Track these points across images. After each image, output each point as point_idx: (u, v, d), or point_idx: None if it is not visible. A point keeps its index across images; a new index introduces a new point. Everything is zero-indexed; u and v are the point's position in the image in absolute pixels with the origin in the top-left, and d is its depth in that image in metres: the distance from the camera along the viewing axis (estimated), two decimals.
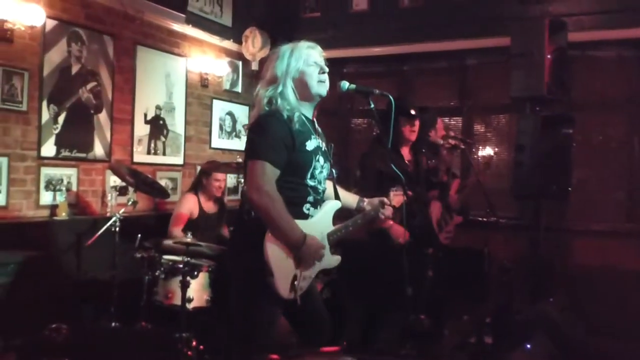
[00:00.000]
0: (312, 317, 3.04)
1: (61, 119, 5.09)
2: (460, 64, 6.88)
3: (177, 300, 4.33)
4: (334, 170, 3.07)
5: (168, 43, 6.28)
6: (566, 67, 5.09)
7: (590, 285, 5.67)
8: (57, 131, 5.05)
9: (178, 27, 6.35)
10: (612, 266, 5.74)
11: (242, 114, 7.39)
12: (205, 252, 4.59)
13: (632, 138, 6.08)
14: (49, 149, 4.99)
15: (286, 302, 2.77)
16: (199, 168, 6.11)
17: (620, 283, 5.68)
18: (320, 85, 2.89)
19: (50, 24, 4.94)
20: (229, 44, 7.14)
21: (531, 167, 4.95)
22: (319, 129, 3.00)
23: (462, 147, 5.10)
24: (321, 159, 2.90)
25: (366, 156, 4.46)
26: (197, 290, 4.44)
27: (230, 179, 6.89)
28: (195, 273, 4.40)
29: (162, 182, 5.85)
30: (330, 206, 3.00)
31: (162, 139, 6.21)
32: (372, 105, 3.02)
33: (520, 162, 5.05)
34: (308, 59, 2.87)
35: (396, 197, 3.20)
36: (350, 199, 3.23)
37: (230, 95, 7.28)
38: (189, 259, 4.31)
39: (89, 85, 5.34)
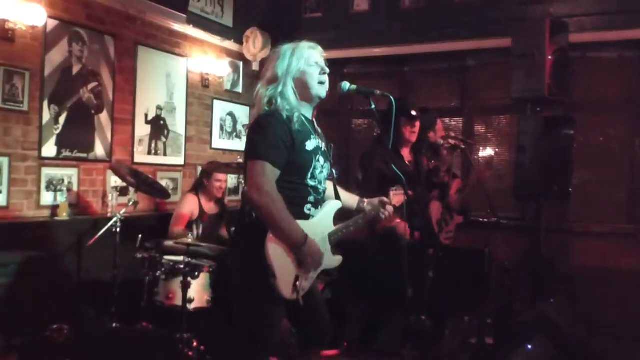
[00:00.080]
0: (313, 318, 3.03)
1: (62, 119, 5.09)
2: (461, 65, 6.88)
3: (178, 301, 4.33)
4: (334, 171, 3.07)
5: (169, 43, 6.28)
6: (567, 68, 5.09)
7: (591, 285, 5.68)
8: (58, 131, 5.05)
9: (179, 27, 6.35)
10: (612, 267, 5.74)
11: (243, 114, 7.39)
12: (206, 252, 4.59)
13: (633, 139, 6.08)
14: (49, 149, 4.99)
15: (288, 302, 2.77)
16: (199, 168, 6.11)
17: (621, 284, 5.68)
18: (320, 87, 2.88)
19: (52, 24, 4.94)
20: (230, 45, 7.14)
21: (532, 168, 4.96)
22: (319, 129, 3.00)
23: (463, 146, 5.10)
24: (321, 159, 2.89)
25: (367, 157, 4.46)
26: (198, 291, 4.44)
27: (231, 180, 6.89)
28: (196, 274, 4.40)
29: (163, 183, 5.85)
30: (331, 206, 3.00)
31: (163, 139, 6.21)
32: (373, 106, 3.02)
33: (521, 163, 5.06)
34: (309, 59, 2.87)
35: (396, 197, 3.20)
36: (350, 199, 3.23)
37: (231, 96, 7.28)
38: (189, 259, 4.32)
39: (90, 86, 5.34)
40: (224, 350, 4.38)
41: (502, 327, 4.63)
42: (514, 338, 4.07)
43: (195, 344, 4.19)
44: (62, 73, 5.07)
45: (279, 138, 2.71)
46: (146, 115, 5.98)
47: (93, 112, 5.39)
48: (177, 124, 6.40)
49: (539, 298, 4.91)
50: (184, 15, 6.33)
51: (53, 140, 5.01)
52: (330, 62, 2.99)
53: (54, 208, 5.00)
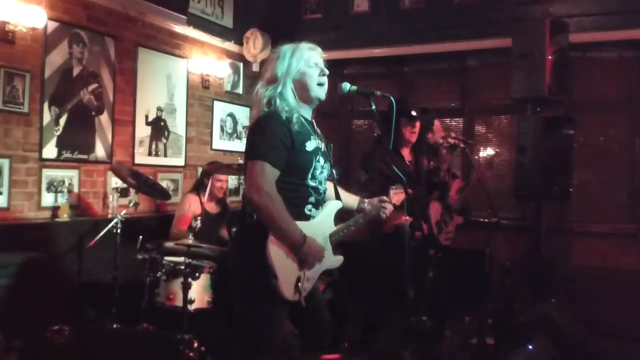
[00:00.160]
0: (315, 318, 3.03)
1: (62, 120, 5.10)
2: (461, 65, 6.88)
3: (179, 302, 4.33)
4: (334, 171, 3.07)
5: (169, 44, 6.29)
6: (567, 68, 5.10)
7: (591, 286, 5.68)
8: (58, 133, 5.05)
9: (179, 28, 6.35)
10: (612, 267, 5.74)
11: (243, 115, 7.40)
12: (206, 253, 4.59)
13: (633, 139, 6.08)
14: (50, 150, 4.99)
15: (290, 303, 2.77)
16: (200, 169, 6.12)
17: (621, 284, 5.68)
18: (320, 88, 2.89)
19: (52, 25, 4.95)
20: (230, 46, 7.15)
21: (532, 168, 4.97)
22: (318, 130, 3.00)
23: (462, 146, 5.11)
24: (321, 160, 2.89)
25: (369, 157, 4.46)
26: (199, 292, 4.44)
27: (232, 180, 6.89)
28: (197, 274, 4.40)
29: (164, 184, 5.86)
30: (332, 207, 3.00)
31: (163, 140, 6.21)
32: (373, 107, 3.02)
33: (522, 163, 5.06)
34: (309, 61, 2.87)
35: (396, 196, 3.20)
36: (351, 199, 3.23)
37: (231, 97, 7.29)
38: (190, 260, 4.32)
39: (91, 87, 5.34)
40: (225, 351, 4.39)
41: (503, 327, 4.63)
42: (514, 338, 4.07)
43: (195, 344, 4.19)
44: (63, 74, 5.08)
45: (278, 139, 2.71)
46: (146, 117, 5.99)
47: (93, 113, 5.39)
48: (178, 125, 6.41)
49: (540, 298, 4.91)
50: (184, 17, 6.34)
51: (53, 141, 5.02)
52: (330, 63, 2.99)
53: (55, 209, 5.00)
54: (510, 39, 5.18)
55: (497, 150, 6.64)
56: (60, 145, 5.07)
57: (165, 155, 6.24)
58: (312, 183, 2.84)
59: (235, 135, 7.32)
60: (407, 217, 4.20)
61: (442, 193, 4.98)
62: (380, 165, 4.20)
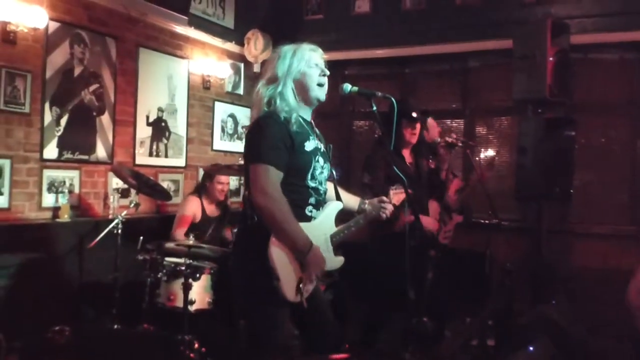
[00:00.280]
0: (317, 319, 3.02)
1: (63, 121, 5.10)
2: (462, 67, 6.88)
3: (179, 303, 4.33)
4: (334, 171, 3.07)
5: (170, 45, 6.29)
6: (568, 70, 5.09)
7: (592, 287, 5.67)
8: (59, 133, 5.06)
9: (180, 29, 6.36)
10: (613, 268, 5.73)
11: (244, 116, 7.39)
12: (207, 254, 4.59)
13: (634, 140, 6.08)
14: (51, 151, 5.00)
15: (292, 305, 2.76)
16: (201, 170, 6.12)
17: (622, 285, 5.66)
18: (320, 89, 2.88)
19: (53, 26, 4.95)
20: (231, 46, 7.15)
21: (533, 169, 4.96)
22: (317, 131, 2.99)
23: (460, 144, 5.12)
24: (321, 160, 2.89)
25: (371, 159, 4.45)
26: (199, 293, 4.44)
27: (233, 182, 6.89)
28: (198, 275, 4.40)
29: (164, 184, 5.86)
30: (332, 207, 3.00)
31: (164, 141, 6.22)
32: (374, 108, 3.01)
33: (523, 164, 5.06)
34: (310, 61, 2.87)
35: (396, 196, 3.20)
36: (351, 200, 3.23)
37: (232, 98, 7.29)
38: (191, 261, 4.32)
39: (92, 87, 5.35)
40: (225, 351, 4.39)
41: (503, 329, 4.62)
42: (515, 339, 4.06)
43: (196, 345, 4.18)
44: (64, 75, 5.08)
45: (279, 139, 2.70)
46: (147, 117, 5.99)
47: (94, 113, 5.40)
48: (179, 125, 6.41)
49: (540, 299, 4.90)
50: (186, 17, 6.34)
51: (54, 142, 5.02)
52: (331, 64, 2.99)
53: (56, 210, 5.00)
54: (512, 41, 5.18)
55: (498, 151, 6.62)
56: (61, 146, 5.08)
57: (166, 156, 6.24)
58: (312, 184, 2.83)
59: (236, 136, 7.32)
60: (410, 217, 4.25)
61: (441, 192, 4.99)
62: (382, 166, 4.19)
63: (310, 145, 2.83)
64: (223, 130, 7.13)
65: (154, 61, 6.05)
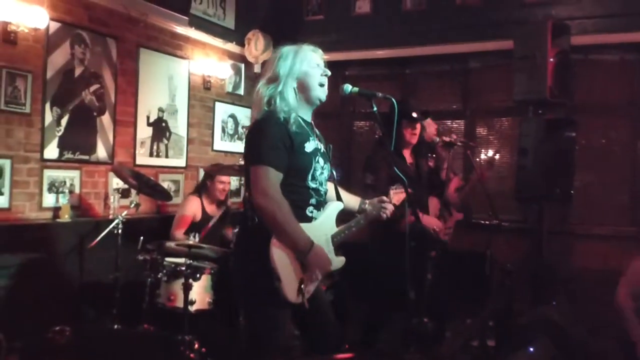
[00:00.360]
0: (318, 320, 3.01)
1: (64, 121, 5.10)
2: (462, 67, 6.88)
3: (180, 303, 4.33)
4: (334, 172, 3.07)
5: (171, 45, 6.29)
6: (569, 71, 5.09)
7: (593, 288, 5.66)
8: (60, 133, 5.06)
9: (181, 29, 6.36)
10: (614, 269, 5.72)
11: (245, 116, 7.39)
12: (207, 254, 4.59)
13: (635, 141, 6.08)
14: (52, 151, 5.00)
15: (293, 306, 2.76)
16: (201, 170, 6.12)
17: None
18: (321, 89, 2.89)
19: (54, 26, 4.95)
20: (231, 47, 7.16)
21: (534, 170, 4.96)
22: (317, 131, 2.99)
23: (458, 144, 5.13)
24: (321, 160, 2.89)
25: (373, 159, 4.46)
26: (200, 293, 4.44)
27: (233, 182, 6.89)
28: (198, 275, 4.40)
29: (165, 185, 5.86)
30: (333, 208, 2.99)
31: (165, 141, 6.22)
32: (375, 108, 3.02)
33: (523, 165, 5.06)
34: (311, 61, 2.88)
35: (396, 195, 3.20)
36: (352, 200, 3.23)
37: (232, 98, 7.29)
38: (191, 261, 4.32)
39: (92, 88, 5.35)
40: (226, 352, 4.39)
41: (504, 329, 4.62)
42: (515, 340, 4.07)
43: (196, 345, 4.19)
44: (64, 75, 5.08)
45: (278, 140, 2.70)
46: (148, 117, 5.99)
47: (95, 114, 5.40)
48: (179, 126, 6.41)
49: (541, 300, 4.90)
50: (186, 18, 6.35)
51: (55, 142, 5.02)
52: (331, 65, 2.99)
53: (56, 210, 5.01)
54: (512, 41, 5.18)
55: (497, 151, 6.62)
56: (62, 146, 5.08)
57: (167, 156, 6.24)
58: (312, 184, 2.83)
59: (236, 136, 7.32)
60: (421, 215, 4.27)
61: (441, 190, 5.00)
62: (385, 167, 4.20)
63: (310, 146, 2.83)
64: (223, 130, 7.13)
65: (154, 61, 6.05)
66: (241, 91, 7.42)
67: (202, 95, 6.78)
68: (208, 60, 6.74)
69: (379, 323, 4.67)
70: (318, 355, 3.07)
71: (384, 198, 3.17)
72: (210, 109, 6.92)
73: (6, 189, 4.65)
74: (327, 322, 3.07)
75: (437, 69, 7.10)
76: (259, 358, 2.84)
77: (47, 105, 4.95)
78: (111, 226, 4.58)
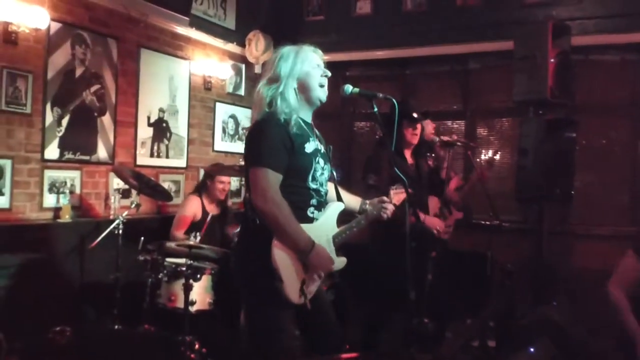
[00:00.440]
0: (320, 320, 3.01)
1: (65, 121, 5.10)
2: (463, 68, 6.88)
3: (180, 303, 4.33)
4: (334, 172, 3.08)
5: (172, 46, 6.30)
6: (569, 71, 5.08)
7: (593, 288, 5.65)
8: (60, 134, 5.06)
9: (182, 30, 6.36)
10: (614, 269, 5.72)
11: (245, 117, 7.39)
12: (208, 254, 4.60)
13: (635, 141, 6.08)
14: (52, 151, 5.00)
15: (295, 306, 2.76)
16: (202, 171, 6.12)
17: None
18: (321, 90, 2.90)
19: (55, 26, 4.96)
20: (232, 47, 7.16)
21: (534, 171, 4.95)
22: (317, 132, 3.00)
23: (458, 144, 5.13)
24: (321, 161, 2.89)
25: (375, 159, 4.46)
26: (200, 293, 4.45)
27: (234, 182, 6.89)
28: (198, 276, 4.41)
29: (165, 185, 5.86)
30: (334, 208, 3.00)
31: (165, 141, 6.22)
32: (375, 109, 3.02)
33: (524, 166, 5.05)
34: (312, 62, 2.88)
35: (397, 195, 3.20)
36: (352, 200, 3.23)
37: (233, 98, 7.29)
38: (192, 261, 4.32)
39: (93, 88, 5.35)
40: (226, 352, 4.39)
41: (504, 330, 4.62)
42: (515, 340, 4.06)
43: (197, 346, 4.20)
44: (65, 75, 5.09)
45: (278, 142, 2.70)
46: (148, 118, 5.99)
47: (96, 114, 5.40)
48: (180, 126, 6.41)
49: (541, 300, 4.90)
50: (187, 18, 6.35)
51: (56, 142, 5.03)
52: (332, 65, 3.00)
53: (57, 210, 5.01)
54: (512, 42, 5.17)
55: (499, 152, 6.62)
56: (63, 146, 5.08)
57: (167, 157, 6.24)
58: (313, 185, 2.84)
59: (237, 136, 7.32)
60: (424, 216, 4.27)
61: (441, 189, 5.01)
62: (387, 167, 4.20)
63: (310, 146, 2.83)
64: (224, 131, 7.14)
65: (155, 62, 6.05)
66: (242, 92, 7.43)
67: (203, 96, 6.78)
68: (209, 60, 6.75)
69: (379, 323, 4.67)
70: (319, 355, 3.07)
71: (384, 198, 3.18)
72: (210, 110, 6.92)
73: (7, 190, 4.65)
74: (329, 322, 3.08)
75: (438, 69, 7.09)
76: (260, 358, 2.84)
77: (48, 106, 4.95)
78: (112, 226, 4.59)
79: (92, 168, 5.37)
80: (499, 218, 4.92)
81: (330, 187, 3.07)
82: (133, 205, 4.86)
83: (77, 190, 5.22)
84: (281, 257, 2.68)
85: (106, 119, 5.49)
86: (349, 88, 2.99)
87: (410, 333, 4.00)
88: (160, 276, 4.48)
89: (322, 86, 2.89)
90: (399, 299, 3.58)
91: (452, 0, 6.57)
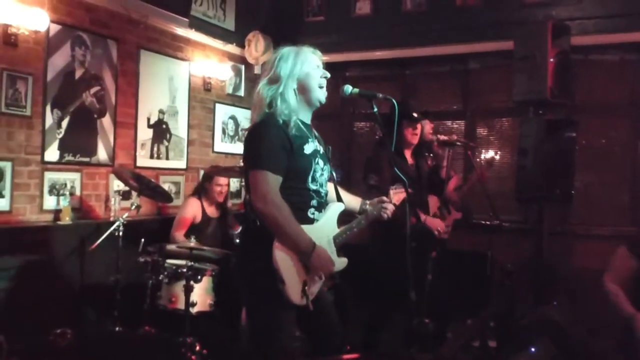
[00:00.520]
0: (322, 321, 3.01)
1: (65, 123, 5.10)
2: (463, 68, 6.88)
3: (181, 305, 4.33)
4: (334, 172, 3.08)
5: (171, 47, 6.30)
6: (569, 71, 5.09)
7: (593, 288, 5.65)
8: (60, 136, 5.06)
9: (181, 31, 6.36)
10: None
11: (245, 117, 7.39)
12: (208, 256, 4.59)
13: (635, 141, 6.08)
14: (52, 153, 5.00)
15: (298, 307, 2.76)
16: (202, 172, 6.12)
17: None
18: (321, 91, 2.90)
19: (54, 28, 4.96)
20: (232, 48, 7.16)
21: (534, 171, 4.95)
22: (316, 133, 3.00)
23: (458, 144, 5.13)
24: (320, 162, 2.89)
25: (375, 160, 4.46)
26: (201, 295, 4.44)
27: (234, 183, 6.90)
28: (199, 277, 4.41)
29: (165, 186, 5.86)
30: (334, 209, 3.00)
31: (165, 143, 6.22)
32: (375, 109, 3.02)
33: (524, 166, 5.05)
34: (311, 63, 2.88)
35: (396, 195, 3.21)
36: (352, 201, 3.23)
37: (233, 99, 7.29)
38: (192, 263, 4.32)
39: (93, 90, 5.35)
40: (227, 353, 4.39)
41: (505, 330, 4.62)
42: (516, 340, 4.07)
43: (198, 347, 4.19)
44: (65, 77, 5.09)
45: (277, 144, 2.70)
46: (148, 119, 5.99)
47: (95, 116, 5.40)
48: (180, 127, 6.41)
49: (541, 300, 4.90)
50: (186, 19, 6.35)
51: (56, 144, 5.02)
52: (332, 66, 3.00)
53: (57, 212, 5.01)
54: (512, 42, 5.17)
55: (499, 152, 6.62)
56: (63, 148, 5.08)
57: (167, 158, 6.24)
58: (313, 186, 2.84)
59: (237, 137, 7.32)
60: (426, 217, 4.26)
61: (440, 189, 5.01)
62: (388, 167, 4.20)
63: (309, 147, 2.83)
64: (224, 132, 7.14)
65: (154, 63, 6.05)
66: (241, 92, 7.43)
67: (203, 97, 6.78)
68: (208, 61, 6.75)
69: (379, 323, 4.67)
70: (320, 356, 3.07)
71: (384, 198, 3.18)
72: (210, 111, 6.93)
73: (7, 192, 4.65)
74: (330, 323, 3.08)
75: (438, 69, 7.10)
76: (259, 358, 2.84)
77: (48, 108, 4.95)
78: (112, 228, 4.59)
79: (92, 170, 5.37)
80: (499, 218, 4.92)
81: (330, 188, 3.07)
82: (133, 207, 4.86)
83: (77, 192, 5.22)
84: (282, 258, 2.68)
85: (106, 121, 5.49)
86: (348, 88, 2.98)
87: (410, 333, 4.00)
88: (160, 278, 4.48)
89: (321, 87, 2.89)
90: (399, 299, 3.59)
91: (451, 0, 6.57)
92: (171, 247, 4.55)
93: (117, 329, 4.50)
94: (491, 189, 5.34)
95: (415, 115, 4.44)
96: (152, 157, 6.03)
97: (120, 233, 4.58)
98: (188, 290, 4.25)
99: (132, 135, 5.81)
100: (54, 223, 4.96)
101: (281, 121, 2.75)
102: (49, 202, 4.98)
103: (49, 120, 4.96)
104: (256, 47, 7.07)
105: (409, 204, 3.11)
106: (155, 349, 4.21)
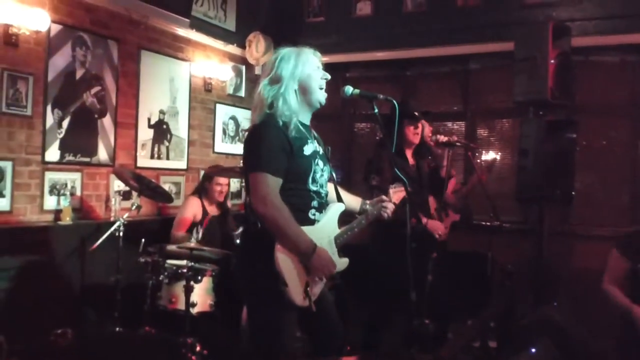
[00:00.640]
0: (324, 322, 3.02)
1: (65, 123, 5.11)
2: (463, 69, 6.88)
3: (181, 305, 4.33)
4: (334, 173, 3.08)
5: (172, 47, 6.30)
6: (570, 72, 5.08)
7: (594, 289, 5.65)
8: (61, 136, 5.06)
9: (182, 31, 6.37)
10: None
11: (246, 118, 7.38)
12: (209, 256, 4.60)
13: (636, 142, 6.08)
14: (53, 153, 5.00)
15: (298, 308, 2.76)
16: (202, 172, 6.12)
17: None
18: (321, 92, 2.90)
19: (55, 28, 4.96)
20: (232, 49, 7.16)
21: (534, 171, 4.95)
22: (315, 133, 3.00)
23: (458, 144, 5.13)
24: (320, 163, 2.89)
25: (376, 160, 4.46)
26: (201, 295, 4.45)
27: (234, 183, 6.90)
28: (199, 277, 4.41)
29: (166, 187, 5.86)
30: (335, 209, 3.00)
31: (166, 143, 6.22)
32: (376, 110, 3.02)
33: (524, 166, 5.05)
34: (312, 64, 2.89)
35: (396, 194, 3.21)
36: (352, 201, 3.24)
37: (233, 100, 7.30)
38: (192, 263, 4.32)
39: (93, 90, 5.35)
40: (227, 354, 4.39)
41: (505, 330, 4.62)
42: (516, 341, 4.06)
43: (198, 348, 4.20)
44: (66, 77, 5.09)
45: (277, 145, 2.71)
46: (149, 120, 6.00)
47: (96, 116, 5.40)
48: (180, 128, 6.41)
49: (542, 301, 4.90)
50: (187, 20, 6.35)
51: (56, 144, 5.03)
52: (332, 66, 3.02)
53: (57, 212, 5.01)
54: (513, 43, 5.17)
55: (500, 153, 6.62)
56: (63, 148, 5.08)
57: (168, 158, 6.24)
58: (313, 187, 2.84)
59: (237, 138, 7.33)
60: (427, 220, 4.27)
61: (439, 190, 5.01)
62: (388, 167, 4.21)
63: (309, 149, 2.83)
64: (224, 132, 7.14)
65: (155, 63, 6.05)
66: (242, 93, 7.43)
67: (203, 97, 6.79)
68: (209, 62, 6.75)
69: (380, 324, 4.67)
70: (321, 356, 3.07)
71: (384, 197, 3.18)
72: (211, 111, 6.93)
73: (7, 192, 4.65)
74: (332, 324, 3.08)
75: (438, 70, 7.10)
76: (259, 358, 2.84)
77: (49, 108, 4.95)
78: (112, 228, 4.59)
79: (93, 170, 5.37)
80: (499, 219, 4.92)
81: (330, 188, 3.07)
82: (134, 207, 4.86)
83: (78, 192, 5.22)
84: (284, 260, 2.68)
85: (107, 121, 5.50)
86: (349, 89, 2.99)
87: (410, 334, 4.00)
88: (161, 278, 4.48)
89: (321, 89, 2.90)
90: (399, 300, 3.59)
91: (452, 1, 6.58)
92: (171, 247, 4.55)
93: (117, 329, 4.49)
94: (491, 190, 5.34)
95: (416, 114, 4.44)
96: (152, 157, 6.04)
97: (121, 233, 4.58)
98: (188, 290, 4.25)
99: (133, 136, 5.81)
100: (55, 223, 4.96)
101: (281, 122, 2.76)
102: (50, 202, 4.98)
103: (50, 120, 4.96)
104: (257, 48, 7.08)
105: (409, 205, 3.12)
106: (155, 349, 4.21)
